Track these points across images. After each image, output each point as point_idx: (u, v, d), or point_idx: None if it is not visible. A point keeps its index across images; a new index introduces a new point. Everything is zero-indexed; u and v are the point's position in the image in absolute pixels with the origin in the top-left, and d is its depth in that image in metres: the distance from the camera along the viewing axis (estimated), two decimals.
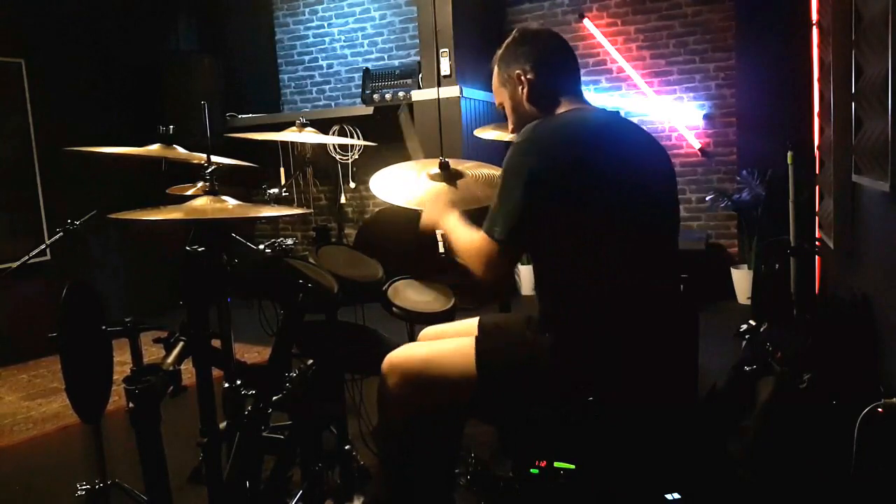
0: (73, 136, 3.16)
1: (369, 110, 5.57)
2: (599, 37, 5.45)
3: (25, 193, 4.60)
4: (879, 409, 1.61)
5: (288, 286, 1.84)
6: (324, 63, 6.53)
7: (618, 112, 1.66)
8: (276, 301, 1.98)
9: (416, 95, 5.17)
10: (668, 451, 1.47)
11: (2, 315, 4.36)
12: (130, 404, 1.41)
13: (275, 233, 6.38)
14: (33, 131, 4.62)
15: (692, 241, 4.88)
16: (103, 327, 1.78)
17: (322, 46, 6.52)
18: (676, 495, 1.40)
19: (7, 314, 4.37)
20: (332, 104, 6.51)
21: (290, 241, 2.49)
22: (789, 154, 3.95)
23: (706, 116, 5.23)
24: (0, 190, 4.46)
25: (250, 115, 5.93)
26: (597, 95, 5.49)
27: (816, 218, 3.91)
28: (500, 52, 1.68)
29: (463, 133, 4.98)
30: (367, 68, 5.73)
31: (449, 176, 2.16)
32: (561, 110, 1.58)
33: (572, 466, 1.41)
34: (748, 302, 4.50)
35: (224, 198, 1.67)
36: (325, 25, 6.47)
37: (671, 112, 5.29)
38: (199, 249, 1.63)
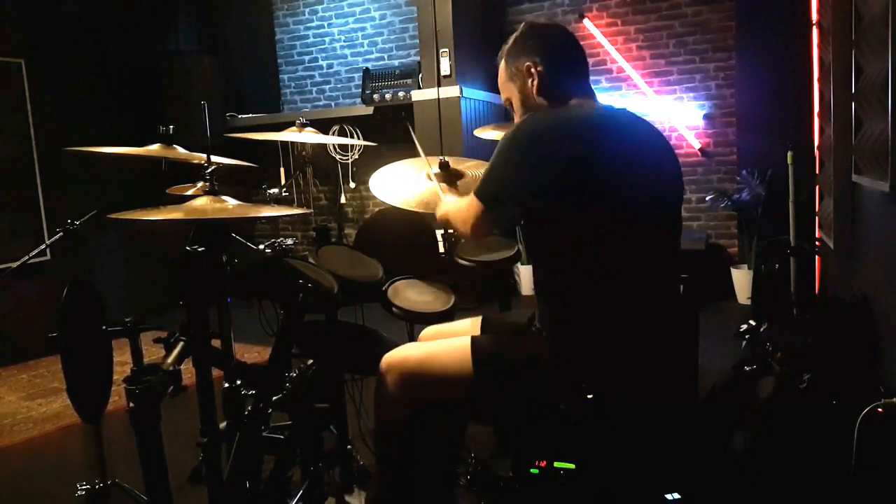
0: (73, 136, 3.16)
1: (369, 110, 5.57)
2: (599, 37, 5.45)
3: (25, 193, 4.60)
4: (879, 409, 1.61)
5: (288, 286, 1.84)
6: (324, 63, 6.53)
7: (625, 109, 1.64)
8: (276, 301, 1.98)
9: (416, 95, 5.17)
10: (668, 451, 1.46)
11: (2, 315, 4.36)
12: (130, 404, 1.41)
13: (275, 233, 6.38)
14: (33, 131, 4.62)
15: (692, 241, 4.89)
16: (103, 327, 1.78)
17: (322, 46, 6.52)
18: (676, 495, 1.40)
19: (7, 314, 4.37)
20: (332, 104, 6.51)
21: (290, 241, 2.49)
22: (789, 154, 3.96)
23: (706, 116, 5.23)
24: (0, 190, 4.46)
25: (250, 115, 5.94)
26: (597, 95, 5.49)
27: (816, 218, 3.91)
28: (506, 46, 1.65)
29: (463, 133, 4.98)
30: (367, 68, 5.73)
31: (449, 176, 2.16)
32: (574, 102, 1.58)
33: (572, 466, 1.41)
34: (748, 302, 4.50)
35: (224, 198, 1.67)
36: (325, 25, 6.47)
37: (671, 112, 5.29)
38: (199, 249, 1.62)
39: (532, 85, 1.59)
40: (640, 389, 1.45)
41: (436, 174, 2.13)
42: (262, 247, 2.51)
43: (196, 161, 2.09)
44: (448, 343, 1.62)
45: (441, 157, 2.17)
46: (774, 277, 3.80)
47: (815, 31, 3.88)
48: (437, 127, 5.02)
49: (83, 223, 2.35)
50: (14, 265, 2.47)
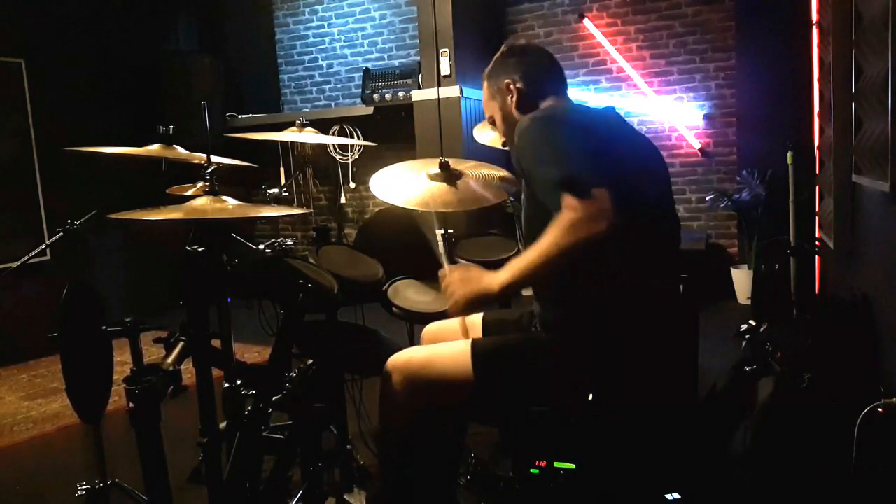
0: (73, 136, 3.16)
1: (369, 110, 5.57)
2: (599, 37, 5.45)
3: (25, 193, 4.60)
4: (879, 409, 1.61)
5: (288, 286, 1.84)
6: (324, 63, 6.53)
7: (613, 108, 1.68)
8: (276, 301, 1.98)
9: (416, 95, 5.17)
10: (668, 451, 1.46)
11: (2, 315, 4.36)
12: (130, 404, 1.41)
13: (275, 233, 6.37)
14: (33, 131, 4.62)
15: (692, 241, 4.89)
16: (103, 327, 1.78)
17: (322, 46, 6.52)
18: (676, 495, 1.40)
19: (7, 314, 4.37)
20: (332, 104, 6.51)
21: (290, 241, 2.49)
22: (789, 154, 3.95)
23: (706, 116, 5.23)
24: (0, 190, 4.46)
25: (250, 115, 5.94)
26: (597, 95, 5.49)
27: (816, 218, 3.91)
28: (488, 68, 1.73)
29: (463, 133, 4.98)
30: (367, 68, 5.73)
31: (449, 176, 2.16)
32: (547, 104, 1.60)
33: (572, 466, 1.41)
34: (748, 302, 4.50)
35: (224, 198, 1.67)
36: (325, 25, 6.47)
37: (671, 112, 5.29)
38: (199, 249, 1.63)
39: (511, 101, 1.66)
40: (641, 389, 1.45)
41: (435, 174, 2.12)
42: (262, 247, 2.51)
43: (196, 161, 2.09)
44: (450, 346, 1.62)
45: (441, 158, 2.17)
46: (774, 277, 3.80)
47: (815, 31, 3.88)
48: (437, 127, 5.02)
49: (83, 223, 2.35)
50: (14, 265, 2.47)
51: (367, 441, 2.30)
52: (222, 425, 1.77)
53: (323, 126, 4.29)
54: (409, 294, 2.24)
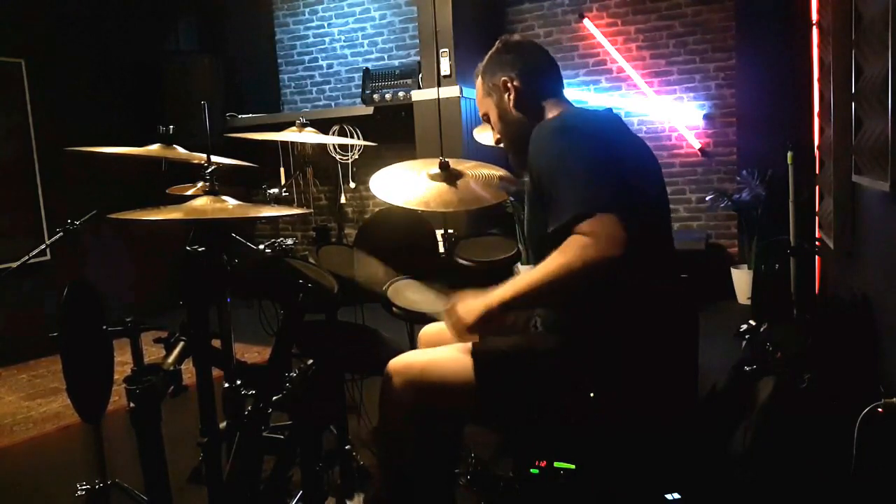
0: (73, 136, 3.16)
1: (369, 110, 5.57)
2: (599, 37, 5.45)
3: (25, 193, 4.60)
4: (879, 409, 1.61)
5: (288, 286, 1.84)
6: (324, 63, 6.53)
7: (611, 109, 1.67)
8: (276, 301, 1.98)
9: (416, 95, 5.17)
10: (668, 451, 1.46)
11: (2, 315, 4.36)
12: (131, 404, 1.41)
13: (275, 233, 6.38)
14: (33, 131, 4.63)
15: (692, 241, 4.88)
16: (103, 327, 1.78)
17: (322, 46, 6.52)
18: (676, 495, 1.40)
19: (7, 314, 4.37)
20: (332, 104, 6.51)
21: (290, 241, 2.50)
22: (789, 154, 3.95)
23: (706, 116, 5.23)
24: (0, 190, 4.46)
25: (250, 115, 5.93)
26: (597, 95, 5.49)
27: (816, 218, 3.90)
28: (482, 64, 1.69)
29: (463, 133, 4.98)
30: (367, 68, 5.73)
31: (449, 176, 2.16)
32: (553, 112, 1.59)
33: (572, 466, 1.41)
34: (748, 302, 4.50)
35: (224, 198, 1.67)
36: (325, 25, 6.47)
37: (671, 112, 5.29)
38: (199, 249, 1.63)
39: (509, 99, 1.63)
40: (641, 389, 1.45)
41: (435, 174, 2.12)
42: (262, 247, 2.51)
43: (196, 161, 2.09)
44: (451, 349, 1.62)
45: (441, 158, 2.17)
46: (774, 277, 3.80)
47: (815, 31, 3.88)
48: (437, 127, 5.02)
49: (83, 223, 2.35)
50: (14, 265, 2.47)
51: (368, 441, 2.30)
52: (222, 425, 1.77)
53: (323, 126, 4.29)
54: (409, 294, 2.24)
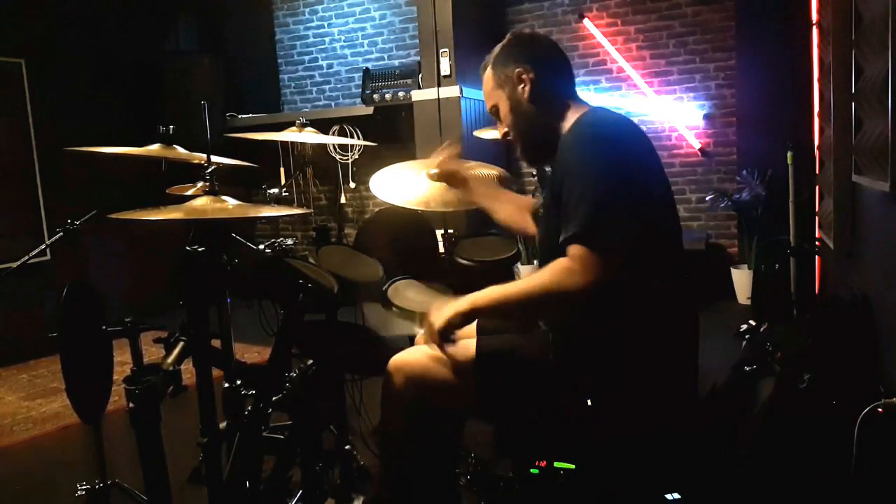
0: (73, 136, 3.16)
1: (369, 110, 5.57)
2: (599, 37, 5.45)
3: (25, 193, 4.60)
4: (879, 409, 1.61)
5: (288, 286, 1.84)
6: (324, 63, 6.53)
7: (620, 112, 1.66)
8: (276, 301, 1.98)
9: (416, 95, 5.17)
10: (668, 451, 1.46)
11: (2, 315, 4.36)
12: (130, 404, 1.41)
13: (275, 233, 6.37)
14: (33, 131, 4.62)
15: (692, 241, 4.89)
16: (103, 327, 1.78)
17: (322, 46, 6.52)
18: (676, 495, 1.40)
19: (7, 314, 4.37)
20: (332, 104, 6.51)
21: (290, 241, 2.50)
22: (789, 154, 3.95)
23: (706, 116, 5.23)
24: (0, 190, 4.46)
25: (250, 115, 5.94)
26: (597, 95, 5.49)
27: (816, 218, 3.90)
28: (492, 55, 1.66)
29: (463, 133, 4.98)
30: (367, 68, 5.73)
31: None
32: (576, 114, 1.56)
33: (572, 466, 1.41)
34: (748, 302, 4.50)
35: (224, 198, 1.67)
36: (325, 25, 6.47)
37: (671, 112, 5.29)
38: (199, 249, 1.63)
39: (524, 91, 1.60)
40: (641, 389, 1.45)
41: (435, 174, 2.12)
42: (262, 247, 2.51)
43: (196, 161, 2.09)
44: (452, 347, 1.62)
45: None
46: (774, 277, 3.80)
47: (815, 31, 3.88)
48: (437, 127, 5.02)
49: (83, 223, 2.35)
50: (14, 265, 2.47)
51: (367, 441, 2.30)
52: (222, 425, 1.77)
53: (323, 126, 4.29)
54: (409, 294, 2.24)
